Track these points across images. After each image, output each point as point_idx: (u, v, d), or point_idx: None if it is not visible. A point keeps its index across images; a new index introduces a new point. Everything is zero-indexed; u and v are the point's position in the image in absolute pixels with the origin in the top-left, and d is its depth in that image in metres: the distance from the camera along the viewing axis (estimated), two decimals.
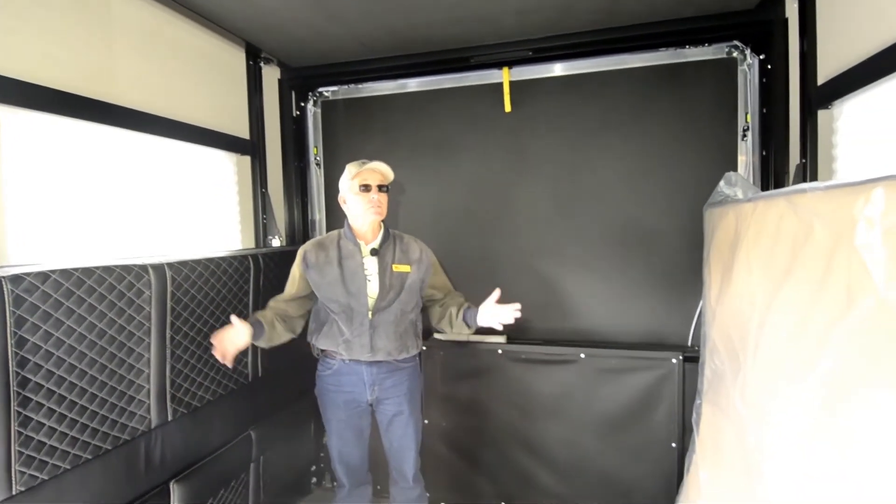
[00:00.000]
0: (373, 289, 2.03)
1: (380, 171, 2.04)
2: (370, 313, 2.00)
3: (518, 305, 1.90)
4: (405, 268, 2.07)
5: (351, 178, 2.04)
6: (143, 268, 1.73)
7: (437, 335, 2.67)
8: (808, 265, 1.19)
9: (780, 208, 1.33)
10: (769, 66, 2.30)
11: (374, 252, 2.05)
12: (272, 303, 2.10)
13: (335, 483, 2.91)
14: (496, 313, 1.92)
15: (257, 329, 1.93)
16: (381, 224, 2.11)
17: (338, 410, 2.11)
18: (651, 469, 2.50)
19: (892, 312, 0.91)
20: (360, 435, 2.17)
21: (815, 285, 1.16)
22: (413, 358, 2.17)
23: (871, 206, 0.94)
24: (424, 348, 2.23)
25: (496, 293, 1.95)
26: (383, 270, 2.04)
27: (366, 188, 2.01)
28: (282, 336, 2.06)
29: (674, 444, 2.46)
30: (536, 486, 2.67)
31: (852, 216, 0.99)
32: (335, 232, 2.16)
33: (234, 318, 1.84)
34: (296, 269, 2.11)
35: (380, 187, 2.03)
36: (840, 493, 1.09)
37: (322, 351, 2.12)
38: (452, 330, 2.12)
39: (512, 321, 1.90)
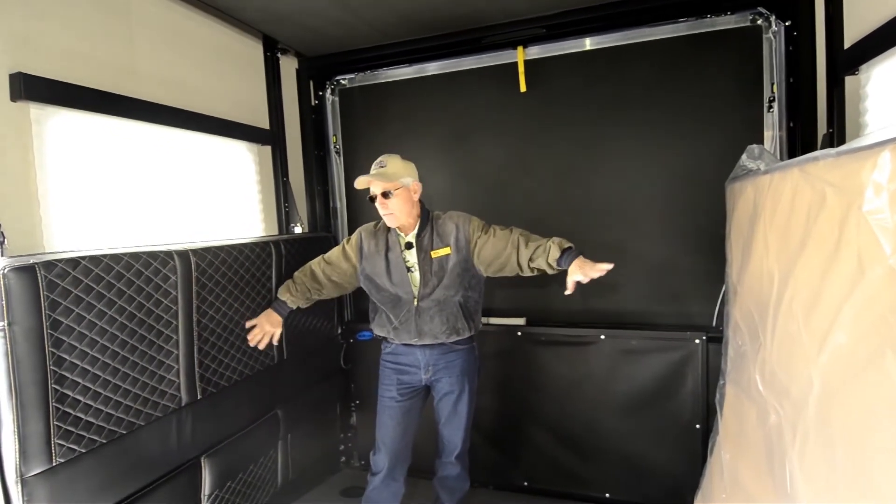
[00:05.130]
0: (416, 278, 2.09)
1: (379, 175, 2.01)
2: (415, 301, 2.08)
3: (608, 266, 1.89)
4: (444, 251, 2.08)
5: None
6: (169, 254, 1.81)
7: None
8: (820, 237, 1.15)
9: (794, 179, 1.28)
10: (795, 33, 2.18)
11: (409, 245, 2.10)
12: (312, 269, 2.26)
13: (363, 462, 3.03)
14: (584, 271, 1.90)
15: (284, 311, 2.22)
16: (419, 213, 2.13)
17: (391, 389, 2.17)
18: (674, 450, 2.47)
19: None
20: (407, 416, 2.18)
21: (827, 257, 1.12)
22: (468, 340, 2.17)
23: (878, 171, 0.90)
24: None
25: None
26: (423, 260, 2.08)
27: (372, 199, 2.06)
28: (307, 304, 2.27)
29: (697, 426, 2.43)
30: (558, 467, 2.69)
31: (861, 182, 0.94)
32: None
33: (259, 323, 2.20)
34: (350, 250, 2.21)
35: (384, 194, 2.02)
36: (854, 471, 1.06)
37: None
38: (534, 273, 2.04)
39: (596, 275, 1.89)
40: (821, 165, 1.14)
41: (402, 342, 2.13)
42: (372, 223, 2.25)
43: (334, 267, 2.23)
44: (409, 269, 2.09)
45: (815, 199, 1.17)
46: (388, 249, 2.12)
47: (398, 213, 2.04)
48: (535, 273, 2.02)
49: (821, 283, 1.15)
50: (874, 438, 1.00)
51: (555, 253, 1.95)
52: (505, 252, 2.03)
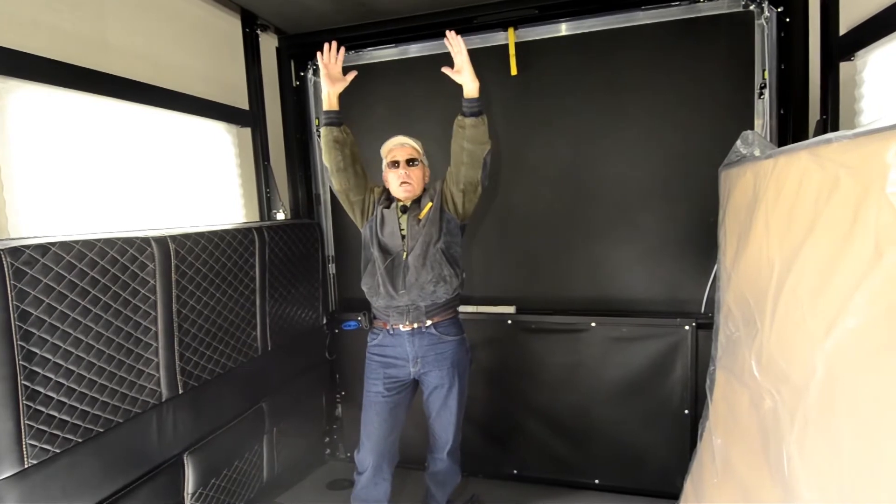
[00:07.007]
0: (405, 239, 2.06)
1: (407, 144, 2.08)
2: (404, 254, 2.04)
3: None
4: (426, 208, 2.07)
5: (383, 156, 2.10)
6: (146, 240, 1.70)
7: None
8: (832, 221, 1.13)
9: (802, 162, 1.26)
10: (788, 19, 2.18)
11: (404, 210, 2.08)
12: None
13: (349, 454, 2.97)
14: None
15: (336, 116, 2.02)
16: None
17: (378, 383, 2.10)
18: (664, 436, 2.50)
19: None
20: (394, 412, 2.11)
21: (839, 242, 1.10)
22: (458, 331, 2.13)
23: None
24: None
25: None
26: (411, 220, 2.06)
27: (394, 164, 2.05)
28: (337, 148, 2.02)
29: (686, 412, 2.45)
30: (548, 455, 2.68)
31: (884, 163, 0.92)
32: None
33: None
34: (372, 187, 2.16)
35: (408, 162, 2.05)
36: (861, 456, 1.06)
37: (370, 324, 2.17)
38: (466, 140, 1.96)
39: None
40: (834, 148, 1.12)
41: (388, 305, 2.06)
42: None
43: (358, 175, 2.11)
44: (402, 236, 2.05)
45: (826, 183, 1.15)
46: (387, 210, 2.09)
47: (416, 184, 2.06)
48: (471, 144, 1.96)
49: (830, 267, 1.14)
50: (887, 423, 0.99)
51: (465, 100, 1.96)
52: (454, 152, 2.00)
